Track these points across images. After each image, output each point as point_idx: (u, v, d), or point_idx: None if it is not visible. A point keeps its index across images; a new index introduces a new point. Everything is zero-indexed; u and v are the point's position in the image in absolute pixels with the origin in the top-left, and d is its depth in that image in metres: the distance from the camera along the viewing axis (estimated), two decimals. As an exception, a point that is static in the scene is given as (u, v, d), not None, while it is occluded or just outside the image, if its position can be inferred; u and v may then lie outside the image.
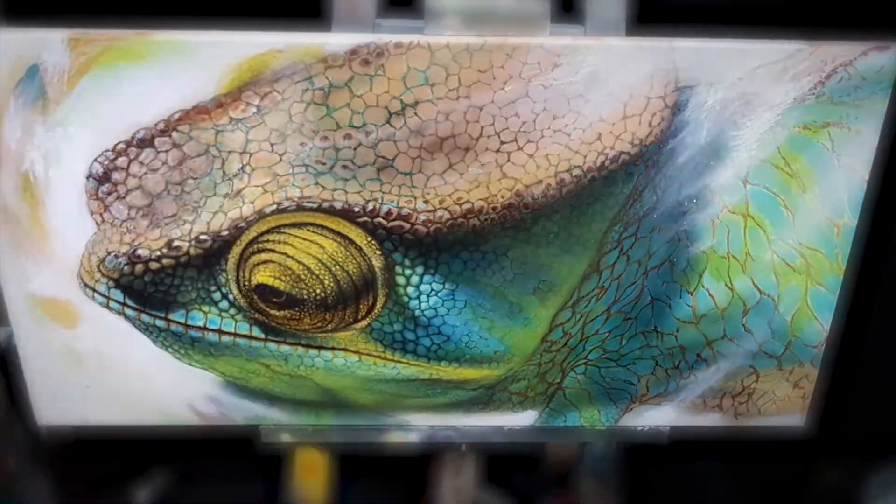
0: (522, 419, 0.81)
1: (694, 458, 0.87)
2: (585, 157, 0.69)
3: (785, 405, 0.81)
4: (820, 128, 0.69)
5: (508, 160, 0.69)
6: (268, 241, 0.70)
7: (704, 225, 0.72)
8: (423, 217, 0.70)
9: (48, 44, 0.64)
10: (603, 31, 0.69)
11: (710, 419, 0.81)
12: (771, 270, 0.74)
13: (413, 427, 0.81)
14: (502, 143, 0.68)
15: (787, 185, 0.71)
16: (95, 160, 0.67)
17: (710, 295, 0.75)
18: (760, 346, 0.77)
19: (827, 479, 0.84)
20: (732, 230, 0.73)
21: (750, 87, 0.68)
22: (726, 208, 0.72)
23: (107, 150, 0.67)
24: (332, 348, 0.76)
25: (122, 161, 0.68)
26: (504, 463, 0.96)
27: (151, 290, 0.72)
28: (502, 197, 0.70)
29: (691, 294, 0.75)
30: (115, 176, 0.68)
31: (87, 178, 0.68)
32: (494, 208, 0.70)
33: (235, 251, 0.70)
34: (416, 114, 0.67)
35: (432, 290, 0.73)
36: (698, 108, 0.68)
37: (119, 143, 0.67)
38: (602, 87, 0.67)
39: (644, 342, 0.77)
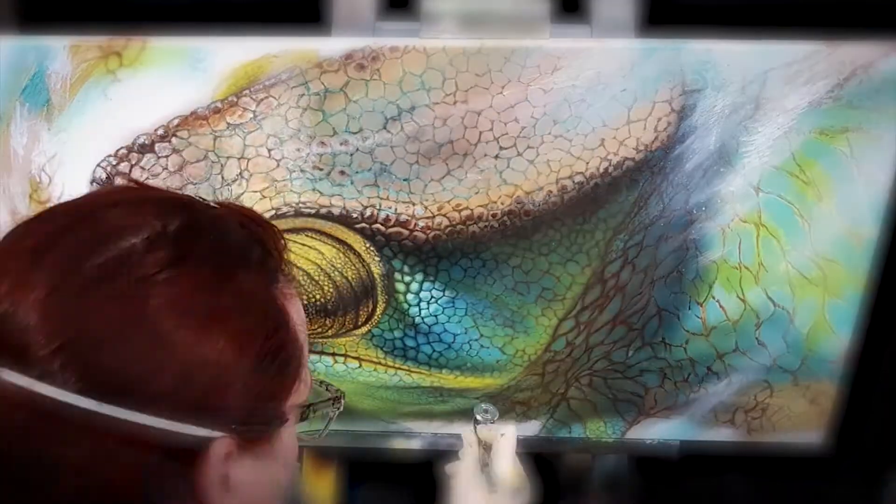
0: (526, 429, 0.79)
1: (706, 473, 0.84)
2: (588, 163, 0.67)
3: (801, 421, 0.77)
4: (837, 133, 0.66)
5: (508, 166, 0.67)
6: (266, 246, 0.70)
7: (714, 234, 0.70)
8: (421, 223, 0.69)
9: (51, 51, 0.65)
10: (611, 32, 0.67)
11: (722, 434, 0.78)
12: (786, 282, 0.71)
13: (416, 434, 0.80)
14: (501, 148, 0.67)
15: (803, 193, 0.68)
16: (98, 165, 0.68)
17: (720, 306, 0.72)
18: (775, 360, 0.74)
19: (844, 496, 0.81)
20: (744, 239, 0.70)
21: (762, 90, 0.65)
22: (738, 217, 0.69)
23: (109, 156, 0.68)
24: (333, 354, 0.75)
25: (123, 166, 0.68)
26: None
27: (153, 293, 0.72)
28: (502, 204, 0.68)
29: (701, 305, 0.72)
30: (118, 181, 0.69)
31: (91, 182, 0.69)
32: (494, 215, 0.69)
33: (235, 256, 0.71)
34: (412, 119, 0.66)
35: (432, 297, 0.72)
36: (707, 112, 0.65)
37: (121, 148, 0.68)
38: (605, 90, 0.65)
39: (652, 354, 0.74)
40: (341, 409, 0.44)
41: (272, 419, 0.36)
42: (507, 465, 0.59)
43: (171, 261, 0.33)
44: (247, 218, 0.38)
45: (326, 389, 0.43)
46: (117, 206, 0.35)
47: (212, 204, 0.38)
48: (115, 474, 0.31)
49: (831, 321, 0.72)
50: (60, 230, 0.33)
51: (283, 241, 0.39)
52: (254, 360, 0.34)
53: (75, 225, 0.33)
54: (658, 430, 0.79)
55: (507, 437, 0.60)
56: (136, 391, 0.31)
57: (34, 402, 0.29)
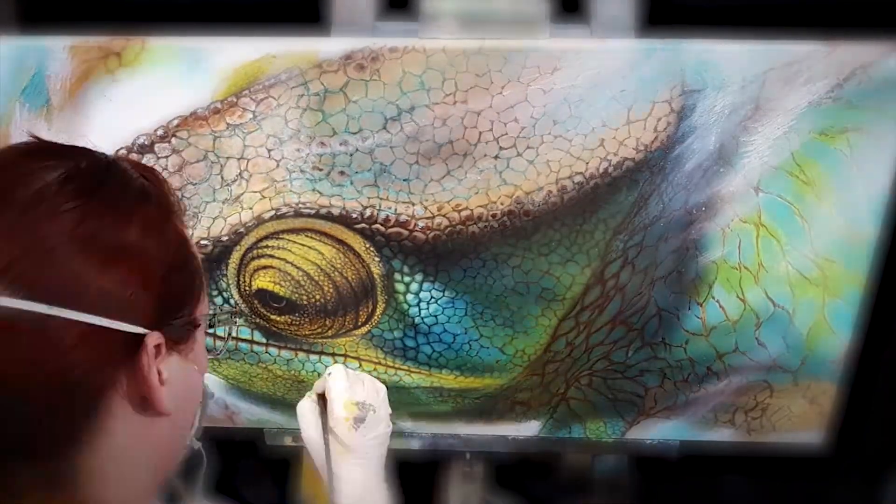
0: (526, 429, 0.79)
1: (706, 473, 0.84)
2: (588, 163, 0.67)
3: (801, 421, 0.77)
4: (837, 133, 0.66)
5: (508, 166, 0.67)
6: (267, 246, 0.70)
7: (714, 234, 0.70)
8: (421, 224, 0.69)
9: (50, 52, 0.65)
10: (610, 32, 0.67)
11: (722, 434, 0.78)
12: (785, 282, 0.71)
13: (416, 434, 0.80)
14: (501, 148, 0.67)
15: (802, 193, 0.68)
16: (98, 165, 0.68)
17: (720, 306, 0.72)
18: (774, 360, 0.74)
19: (843, 496, 0.81)
20: (744, 240, 0.70)
21: (762, 90, 0.65)
22: (737, 217, 0.69)
23: (108, 156, 0.68)
24: (333, 354, 0.75)
25: (123, 166, 0.68)
26: (517, 470, 0.94)
27: (153, 293, 0.72)
28: (502, 204, 0.68)
29: (701, 305, 0.72)
30: (117, 181, 0.69)
31: (91, 183, 0.69)
32: (494, 216, 0.69)
33: (236, 256, 0.71)
34: (412, 119, 0.66)
35: (432, 297, 0.72)
36: (706, 112, 0.65)
37: (120, 148, 0.68)
38: (604, 90, 0.65)
39: (651, 354, 0.74)
40: (239, 322, 0.54)
41: (188, 322, 0.43)
42: (339, 397, 0.59)
43: (84, 192, 0.39)
44: (137, 164, 0.44)
45: (221, 309, 0.50)
46: (29, 153, 0.41)
47: (109, 155, 0.43)
48: (65, 367, 0.37)
49: (831, 321, 0.72)
50: None
51: (167, 183, 0.45)
52: (165, 271, 0.40)
53: None
54: (658, 431, 0.79)
55: (333, 372, 0.61)
56: (71, 298, 0.37)
57: None
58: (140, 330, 0.39)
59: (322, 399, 0.61)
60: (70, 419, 0.38)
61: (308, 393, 0.62)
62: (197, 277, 0.44)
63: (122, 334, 0.38)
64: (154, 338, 0.39)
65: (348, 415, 0.59)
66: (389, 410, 0.62)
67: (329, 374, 0.61)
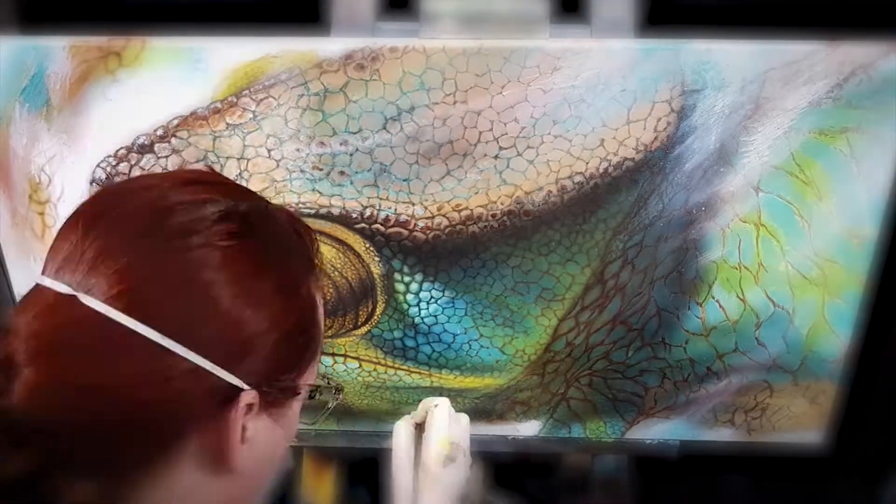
0: (526, 429, 0.79)
1: (706, 473, 0.84)
2: (588, 163, 0.67)
3: (801, 421, 0.77)
4: (837, 133, 0.66)
5: (508, 166, 0.67)
6: (266, 246, 0.70)
7: (714, 234, 0.70)
8: (421, 224, 0.69)
9: (50, 51, 0.65)
10: (610, 32, 0.67)
11: (722, 434, 0.78)
12: (785, 282, 0.71)
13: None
14: (501, 148, 0.67)
15: (802, 192, 0.68)
16: (98, 165, 0.68)
17: (720, 306, 0.72)
18: (774, 360, 0.74)
19: (843, 496, 0.81)
20: (744, 239, 0.70)
21: (762, 90, 0.65)
22: (737, 217, 0.69)
23: (109, 156, 0.68)
24: (333, 354, 0.75)
25: (123, 167, 0.68)
26: (517, 469, 0.94)
27: (153, 293, 0.72)
28: (502, 204, 0.68)
29: (701, 305, 0.72)
30: (118, 181, 0.69)
31: (91, 183, 0.69)
32: (494, 215, 0.69)
33: (235, 256, 0.71)
34: (412, 119, 0.66)
35: (432, 297, 0.72)
36: (706, 112, 0.65)
37: (120, 148, 0.68)
38: (604, 90, 0.65)
39: (651, 354, 0.74)
40: (340, 398, 0.51)
41: (289, 388, 0.42)
42: (438, 433, 0.59)
43: (237, 234, 0.39)
44: (293, 217, 0.44)
45: (328, 382, 0.49)
46: (193, 183, 0.41)
47: (269, 202, 0.44)
48: (160, 397, 0.36)
49: (831, 321, 0.72)
50: (109, 204, 0.40)
51: (317, 242, 0.45)
52: (285, 332, 0.40)
53: (132, 196, 0.40)
54: (658, 430, 0.79)
55: (440, 406, 0.60)
56: (185, 333, 0.36)
57: (105, 326, 0.36)
58: (239, 383, 0.38)
59: (419, 427, 0.61)
60: (146, 443, 0.37)
61: (407, 416, 0.61)
62: (313, 345, 0.43)
63: (222, 382, 0.37)
64: (249, 396, 0.39)
65: (443, 451, 0.58)
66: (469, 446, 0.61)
67: (436, 405, 0.60)
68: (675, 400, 0.77)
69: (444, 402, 0.60)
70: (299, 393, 0.43)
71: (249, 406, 0.39)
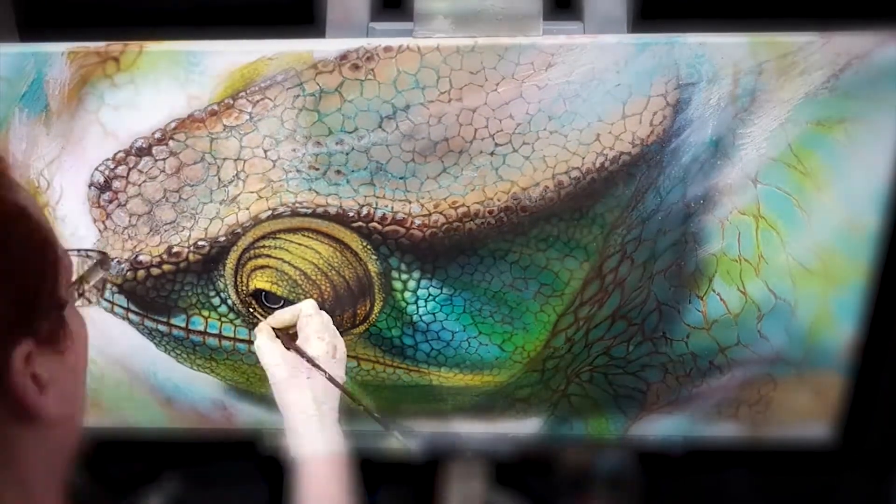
0: (527, 426, 0.79)
1: (710, 469, 0.83)
2: (584, 158, 0.67)
3: (806, 414, 0.76)
4: (834, 123, 0.65)
5: (504, 163, 0.67)
6: (264, 246, 0.71)
7: (713, 227, 0.69)
8: (418, 221, 0.69)
9: (49, 57, 0.66)
10: (603, 28, 0.67)
11: (726, 429, 0.78)
12: (786, 274, 0.71)
13: (415, 433, 0.80)
14: (497, 145, 0.67)
15: (801, 183, 0.67)
16: (97, 169, 0.69)
17: (721, 300, 0.72)
18: (778, 352, 0.73)
19: (850, 490, 0.80)
20: (743, 232, 0.69)
21: (757, 82, 0.64)
22: (736, 209, 0.69)
23: (107, 160, 0.69)
24: (333, 354, 0.75)
25: (121, 170, 0.69)
26: (519, 467, 0.94)
27: (153, 295, 0.73)
28: (499, 200, 0.68)
29: (701, 299, 0.72)
30: (116, 184, 0.69)
31: (90, 186, 0.69)
32: (491, 212, 0.69)
33: (233, 256, 0.71)
34: (408, 117, 0.66)
35: (430, 294, 0.72)
36: (702, 105, 0.65)
37: (118, 152, 0.68)
38: (599, 85, 0.65)
39: (652, 348, 0.74)
40: (110, 267, 0.48)
41: (50, 308, 0.38)
42: (320, 331, 0.65)
43: None
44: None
45: (87, 256, 0.44)
46: None
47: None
48: None
49: (834, 312, 0.72)
50: None
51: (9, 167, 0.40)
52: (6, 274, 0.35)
53: None
54: (661, 426, 0.79)
55: (307, 305, 0.66)
56: None
57: None
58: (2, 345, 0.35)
59: (284, 333, 0.66)
60: None
61: (262, 324, 0.66)
62: (49, 252, 0.38)
63: None
64: (21, 350, 0.36)
65: (327, 347, 0.64)
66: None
67: (303, 310, 0.65)
68: (678, 395, 0.76)
69: (310, 302, 0.67)
70: (65, 302, 0.39)
71: (27, 357, 0.36)
